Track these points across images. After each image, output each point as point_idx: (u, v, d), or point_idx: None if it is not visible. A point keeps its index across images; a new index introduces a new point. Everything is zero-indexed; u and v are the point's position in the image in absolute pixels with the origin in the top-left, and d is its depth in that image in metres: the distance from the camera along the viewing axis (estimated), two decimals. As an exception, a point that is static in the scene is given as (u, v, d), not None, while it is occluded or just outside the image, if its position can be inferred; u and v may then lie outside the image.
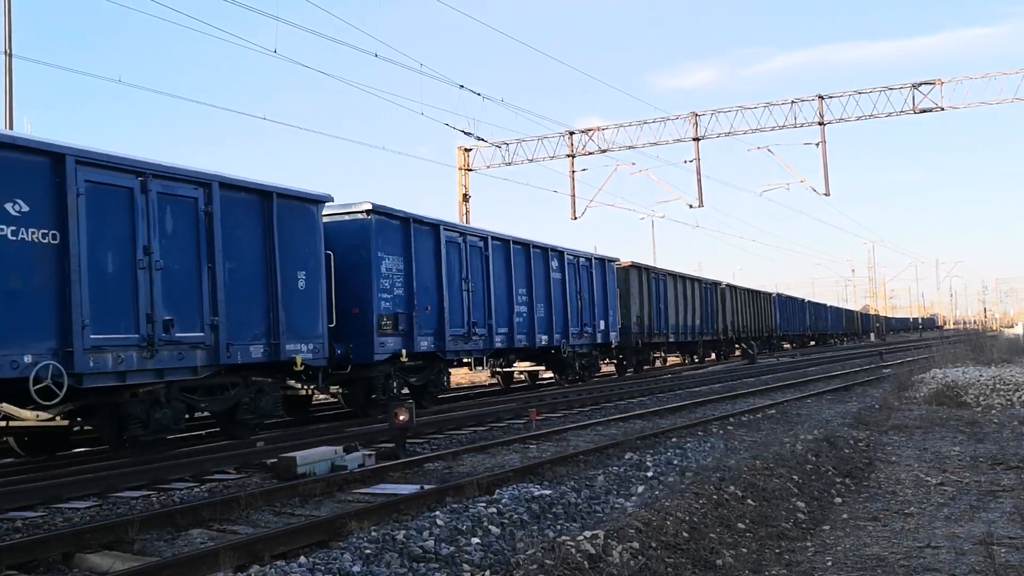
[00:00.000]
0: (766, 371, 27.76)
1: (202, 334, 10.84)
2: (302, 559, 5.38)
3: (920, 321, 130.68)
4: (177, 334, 10.46)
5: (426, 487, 8.01)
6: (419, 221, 15.84)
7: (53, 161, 9.37)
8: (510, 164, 33.36)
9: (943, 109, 28.20)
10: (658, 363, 30.99)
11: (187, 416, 11.21)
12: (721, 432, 12.15)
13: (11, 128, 17.27)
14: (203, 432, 12.95)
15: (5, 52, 17.52)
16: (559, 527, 6.52)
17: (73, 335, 9.29)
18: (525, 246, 19.94)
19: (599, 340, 23.72)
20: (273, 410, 12.47)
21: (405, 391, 15.59)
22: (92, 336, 9.52)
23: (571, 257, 22.28)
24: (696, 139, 31.01)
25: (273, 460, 9.38)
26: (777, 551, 6.05)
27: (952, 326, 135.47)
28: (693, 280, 34.00)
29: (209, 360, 10.93)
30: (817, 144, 29.69)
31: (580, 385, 22.18)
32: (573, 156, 32.98)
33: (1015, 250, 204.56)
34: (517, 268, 19.31)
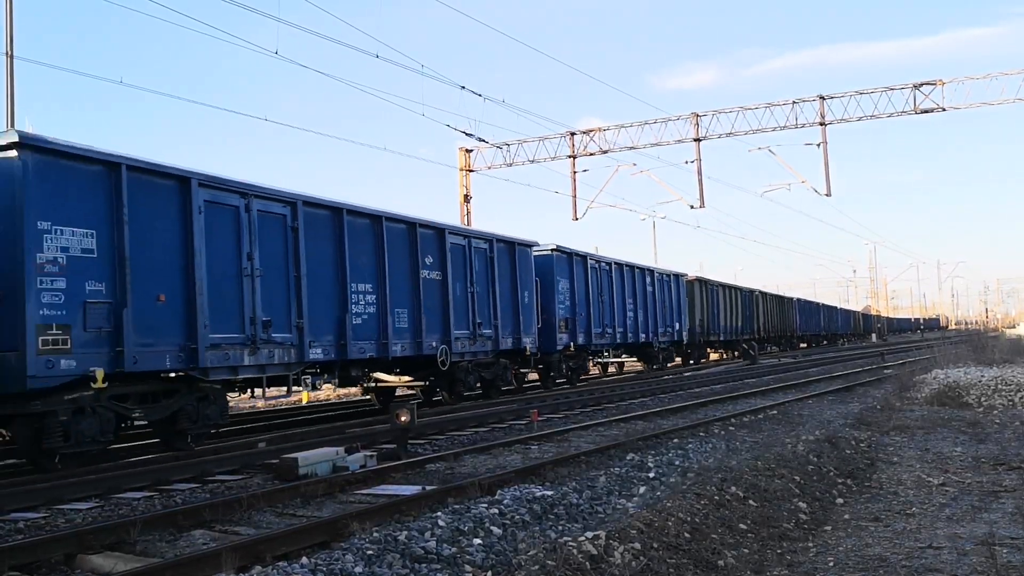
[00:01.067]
0: (767, 371, 27.75)
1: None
2: (304, 560, 5.39)
3: (922, 322, 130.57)
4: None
5: (428, 488, 8.01)
6: (576, 254, 23.25)
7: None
8: (511, 165, 33.36)
9: (944, 109, 28.16)
10: (713, 356, 37.83)
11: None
12: (723, 433, 12.15)
13: (12, 127, 17.26)
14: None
15: (7, 54, 17.53)
16: (561, 528, 6.52)
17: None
18: (631, 267, 27.30)
19: (675, 338, 30.68)
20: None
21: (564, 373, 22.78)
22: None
23: (659, 275, 29.63)
24: (697, 140, 30.99)
25: (275, 461, 9.39)
26: (779, 552, 6.05)
27: (954, 327, 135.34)
28: (736, 289, 40.70)
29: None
30: (818, 144, 29.66)
31: (659, 372, 28.88)
32: (574, 157, 32.98)
33: (1017, 250, 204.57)
34: (627, 284, 26.59)
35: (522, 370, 21.14)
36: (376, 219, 14.78)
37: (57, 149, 9.55)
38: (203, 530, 6.81)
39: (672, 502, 6.56)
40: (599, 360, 26.80)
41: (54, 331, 9.25)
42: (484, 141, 31.82)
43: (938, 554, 5.80)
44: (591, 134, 32.83)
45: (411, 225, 15.71)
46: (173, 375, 11.01)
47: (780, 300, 51.33)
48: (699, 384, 22.58)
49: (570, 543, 5.24)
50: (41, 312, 9.19)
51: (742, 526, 6.44)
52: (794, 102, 29.76)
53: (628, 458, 9.66)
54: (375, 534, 5.92)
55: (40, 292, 9.19)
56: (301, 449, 9.81)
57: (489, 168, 33.85)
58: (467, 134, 29.82)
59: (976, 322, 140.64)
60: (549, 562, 4.92)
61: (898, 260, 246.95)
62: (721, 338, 37.18)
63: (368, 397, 18.31)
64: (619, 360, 28.76)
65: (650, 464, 9.18)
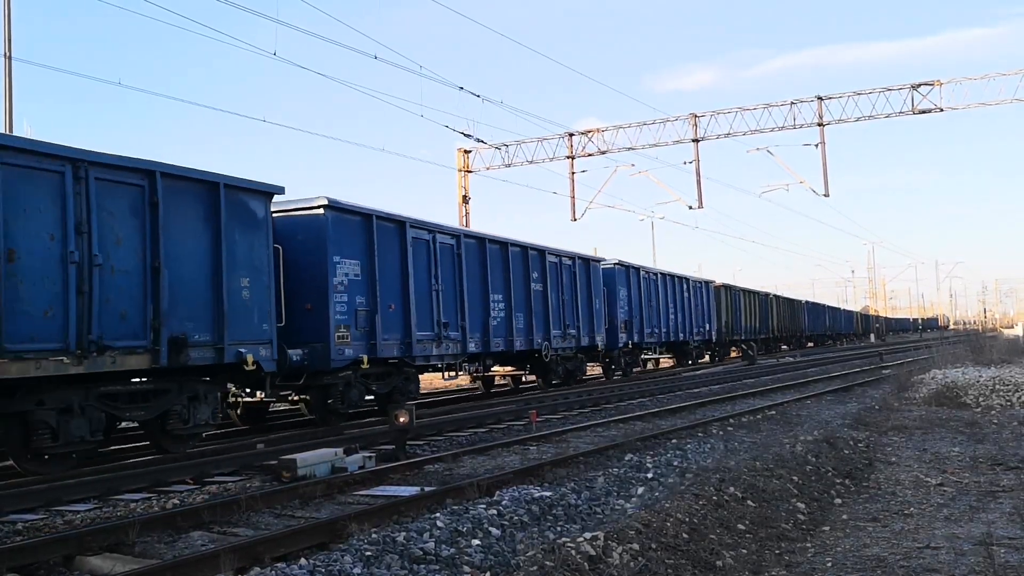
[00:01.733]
0: (766, 372, 27.77)
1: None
2: (302, 561, 5.39)
3: (920, 322, 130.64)
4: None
5: (426, 489, 8.02)
6: (632, 267, 27.44)
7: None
8: (510, 166, 33.39)
9: (942, 110, 28.20)
10: (733, 353, 41.58)
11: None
12: (721, 433, 12.16)
13: (11, 130, 17.27)
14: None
15: (5, 55, 17.53)
16: (559, 529, 6.53)
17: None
18: (672, 277, 31.54)
19: (706, 337, 35.32)
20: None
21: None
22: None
23: (693, 282, 33.82)
24: (695, 140, 31.03)
25: (273, 462, 9.39)
26: (777, 552, 6.06)
27: (953, 327, 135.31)
28: (754, 293, 45.50)
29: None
30: (816, 145, 29.72)
31: (690, 366, 33.21)
32: (573, 158, 33.00)
33: (1015, 250, 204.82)
34: (668, 291, 30.95)
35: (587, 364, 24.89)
36: (503, 245, 19.26)
37: (343, 207, 14.09)
38: (202, 531, 6.82)
39: (670, 503, 6.57)
40: (644, 357, 29.81)
41: (342, 330, 13.71)
42: (482, 142, 31.85)
43: (936, 554, 5.81)
44: (589, 135, 32.85)
45: (524, 248, 20.20)
46: (393, 361, 15.21)
47: (791, 303, 55.91)
48: (697, 385, 22.60)
49: (569, 544, 5.24)
50: (335, 317, 13.56)
51: (740, 526, 6.45)
52: (792, 103, 29.80)
53: (626, 459, 9.67)
54: (374, 535, 5.92)
55: (335, 304, 13.62)
56: (300, 450, 9.81)
57: (488, 169, 33.89)
58: (466, 135, 29.86)
59: (974, 322, 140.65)
60: (548, 563, 4.92)
61: (896, 260, 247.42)
62: (742, 337, 41.59)
63: (476, 385, 22.83)
64: (656, 356, 31.91)
65: (648, 465, 9.19)
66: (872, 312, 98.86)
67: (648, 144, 31.77)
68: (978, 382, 17.09)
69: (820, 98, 29.49)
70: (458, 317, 17.08)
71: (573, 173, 33.19)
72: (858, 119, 29.26)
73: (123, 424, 11.84)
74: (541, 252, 21.03)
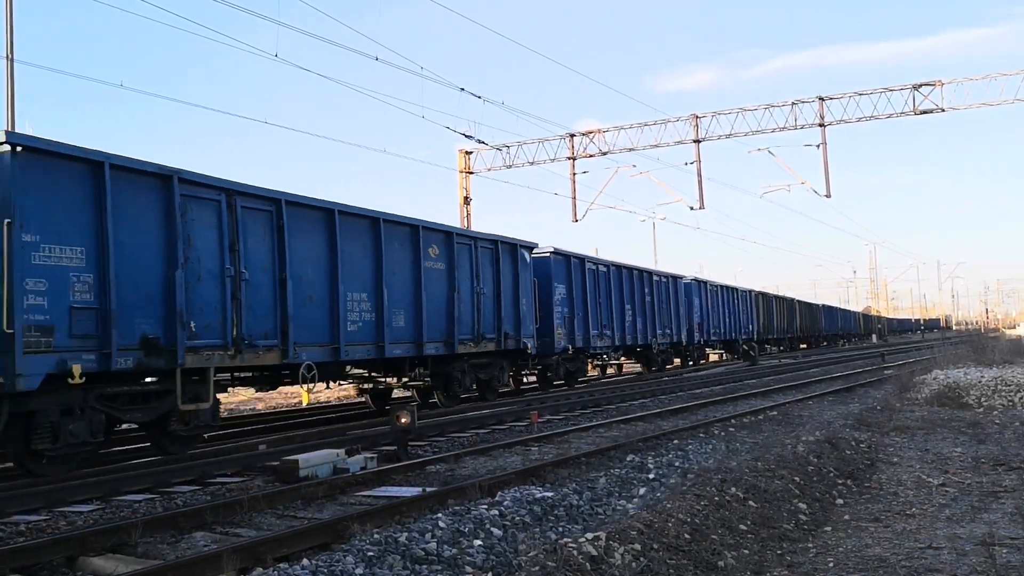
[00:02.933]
0: (768, 372, 27.76)
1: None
2: (305, 561, 5.40)
3: (922, 322, 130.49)
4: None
5: (428, 489, 8.02)
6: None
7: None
8: (511, 167, 33.37)
9: (944, 110, 28.16)
10: (712, 357, 43.52)
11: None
12: (722, 434, 12.16)
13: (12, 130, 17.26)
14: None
15: (7, 57, 17.55)
16: (561, 529, 6.53)
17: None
18: (724, 288, 37.27)
19: (748, 337, 41.24)
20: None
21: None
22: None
23: (742, 291, 40.85)
24: (697, 141, 31.00)
25: (275, 463, 9.40)
26: (779, 552, 6.06)
27: (956, 327, 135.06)
28: (783, 298, 54.32)
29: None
30: (818, 146, 29.67)
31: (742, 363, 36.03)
32: (574, 158, 32.98)
33: (1017, 250, 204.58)
34: (730, 300, 37.81)
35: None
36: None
37: (559, 251, 21.75)
38: (204, 532, 6.82)
39: (672, 503, 6.57)
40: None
41: (559, 328, 21.64)
42: (483, 143, 31.83)
43: (938, 554, 5.81)
44: (590, 136, 32.85)
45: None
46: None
47: (810, 306, 63.87)
48: (699, 386, 22.59)
49: (570, 544, 5.25)
50: (556, 318, 21.51)
51: (742, 527, 6.45)
52: (793, 103, 29.77)
53: (628, 459, 9.68)
54: (376, 536, 5.93)
55: (556, 310, 21.55)
56: (302, 451, 9.82)
57: (489, 170, 33.87)
58: (467, 136, 29.83)
59: (976, 322, 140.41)
60: (549, 563, 4.93)
61: (898, 260, 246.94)
62: (775, 337, 48.79)
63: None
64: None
65: (650, 465, 9.20)
66: (874, 313, 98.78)
67: (649, 145, 31.75)
68: (980, 382, 17.07)
69: (821, 98, 29.47)
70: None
71: (574, 174, 33.17)
72: (859, 119, 29.21)
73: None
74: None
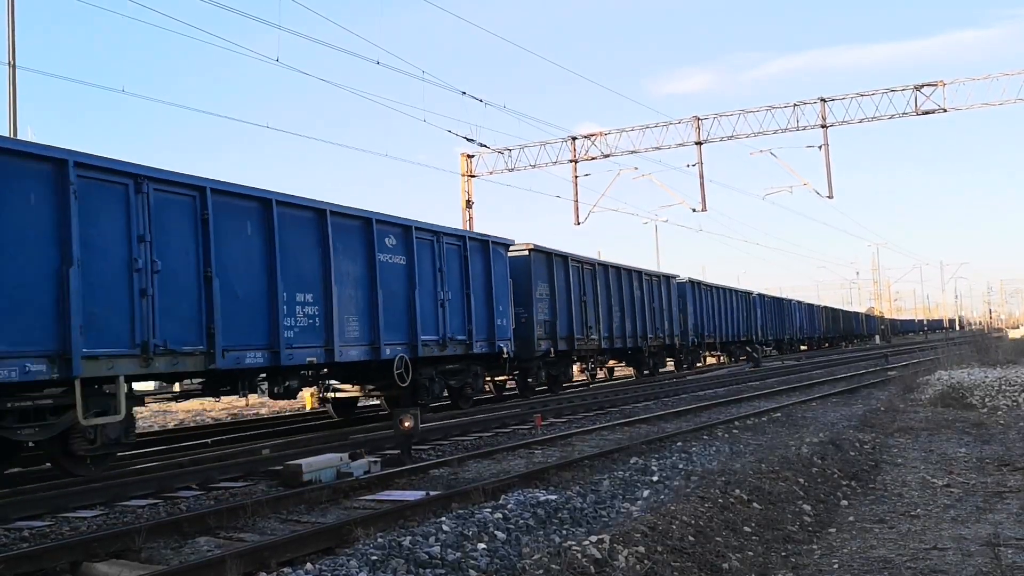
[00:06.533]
0: (770, 374, 27.72)
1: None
2: (309, 566, 5.40)
3: (925, 323, 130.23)
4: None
5: (432, 493, 8.02)
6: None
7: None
8: (513, 170, 33.38)
9: (946, 110, 28.15)
10: (800, 348, 53.42)
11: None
12: (726, 436, 12.14)
13: (15, 136, 17.31)
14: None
15: (9, 63, 17.60)
16: (565, 532, 6.52)
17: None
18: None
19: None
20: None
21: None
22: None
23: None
24: (699, 143, 31.01)
25: (279, 467, 9.40)
26: (783, 554, 6.05)
27: (965, 327, 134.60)
28: (807, 304, 62.71)
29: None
30: (820, 147, 29.66)
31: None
32: (576, 161, 32.99)
33: (1020, 251, 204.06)
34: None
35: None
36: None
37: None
38: (208, 537, 6.82)
39: (676, 505, 6.56)
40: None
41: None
42: (485, 146, 31.82)
43: (943, 555, 5.80)
44: (592, 138, 32.86)
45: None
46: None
47: (833, 311, 73.23)
48: (702, 388, 22.57)
49: (574, 547, 5.24)
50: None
51: (746, 529, 6.44)
52: (795, 105, 29.77)
53: (632, 462, 9.66)
54: (379, 540, 5.92)
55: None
56: (305, 455, 9.82)
57: (491, 173, 33.89)
58: (468, 139, 29.83)
59: (979, 323, 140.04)
60: (553, 566, 4.92)
61: (901, 262, 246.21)
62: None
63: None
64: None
65: (654, 468, 9.18)
66: (877, 314, 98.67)
67: (651, 147, 31.76)
68: (984, 383, 17.04)
69: (823, 100, 29.46)
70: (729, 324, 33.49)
71: (576, 177, 33.18)
72: (861, 120, 29.22)
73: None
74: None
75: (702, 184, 31.50)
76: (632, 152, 32.19)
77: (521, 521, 6.58)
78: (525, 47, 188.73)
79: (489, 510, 6.84)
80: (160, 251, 10.52)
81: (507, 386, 21.80)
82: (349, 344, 13.81)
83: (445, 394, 17.13)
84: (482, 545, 5.90)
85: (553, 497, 7.38)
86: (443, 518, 6.59)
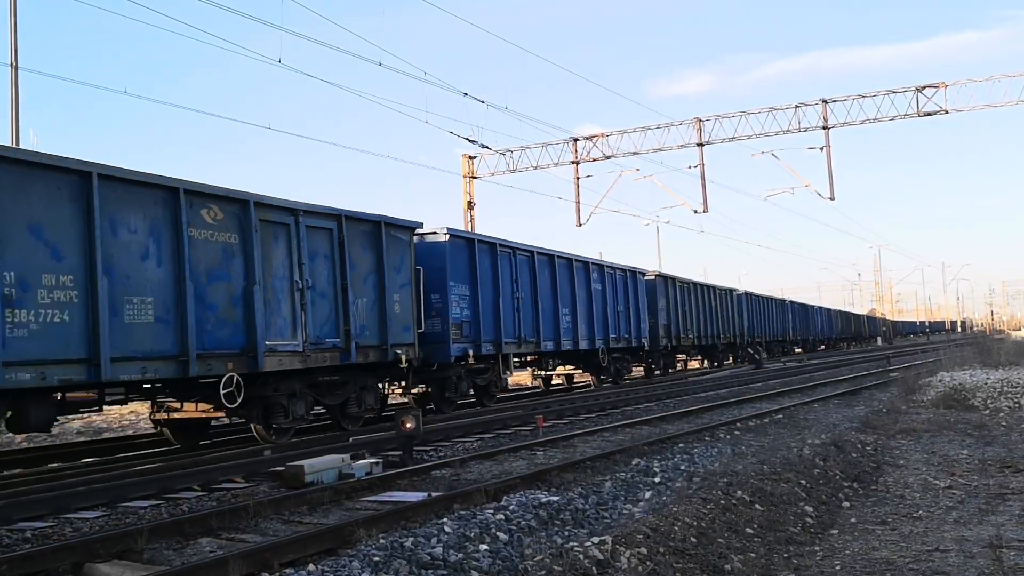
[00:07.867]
0: (772, 376, 27.71)
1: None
2: (311, 567, 5.40)
3: (927, 325, 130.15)
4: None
5: (434, 494, 8.02)
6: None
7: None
8: (514, 171, 33.42)
9: (947, 112, 28.17)
10: (821, 348, 57.10)
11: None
12: (728, 437, 12.14)
13: (17, 138, 17.33)
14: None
15: (11, 65, 17.63)
16: (567, 533, 6.52)
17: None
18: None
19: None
20: None
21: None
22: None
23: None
24: (700, 144, 31.04)
25: (281, 468, 9.40)
26: (785, 556, 6.05)
27: (970, 328, 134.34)
28: (827, 309, 71.67)
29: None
30: (821, 148, 29.70)
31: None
32: (577, 163, 33.01)
33: (1022, 252, 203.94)
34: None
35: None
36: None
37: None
38: (210, 538, 6.82)
39: (678, 507, 6.56)
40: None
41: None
42: (487, 148, 31.86)
43: (945, 557, 5.79)
44: (594, 140, 32.88)
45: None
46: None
47: (847, 315, 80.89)
48: (704, 389, 22.56)
49: (576, 549, 5.24)
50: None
51: (748, 530, 6.44)
52: (797, 106, 29.79)
53: (634, 463, 9.66)
54: (382, 541, 5.93)
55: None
56: (306, 457, 9.82)
57: (492, 175, 33.92)
58: (470, 140, 29.88)
59: (982, 324, 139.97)
60: (556, 568, 4.92)
61: (903, 263, 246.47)
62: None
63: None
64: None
65: (656, 469, 9.18)
66: (879, 315, 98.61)
67: (653, 148, 31.80)
68: (986, 384, 17.04)
69: (825, 101, 29.48)
70: (777, 327, 42.41)
71: (578, 178, 33.20)
72: (863, 122, 29.25)
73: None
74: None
75: (703, 185, 31.55)
76: (634, 153, 32.24)
77: (523, 522, 6.58)
78: (527, 48, 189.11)
79: (491, 511, 6.85)
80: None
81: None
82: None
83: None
84: (484, 546, 5.90)
85: (555, 498, 7.38)
86: (445, 519, 6.60)
